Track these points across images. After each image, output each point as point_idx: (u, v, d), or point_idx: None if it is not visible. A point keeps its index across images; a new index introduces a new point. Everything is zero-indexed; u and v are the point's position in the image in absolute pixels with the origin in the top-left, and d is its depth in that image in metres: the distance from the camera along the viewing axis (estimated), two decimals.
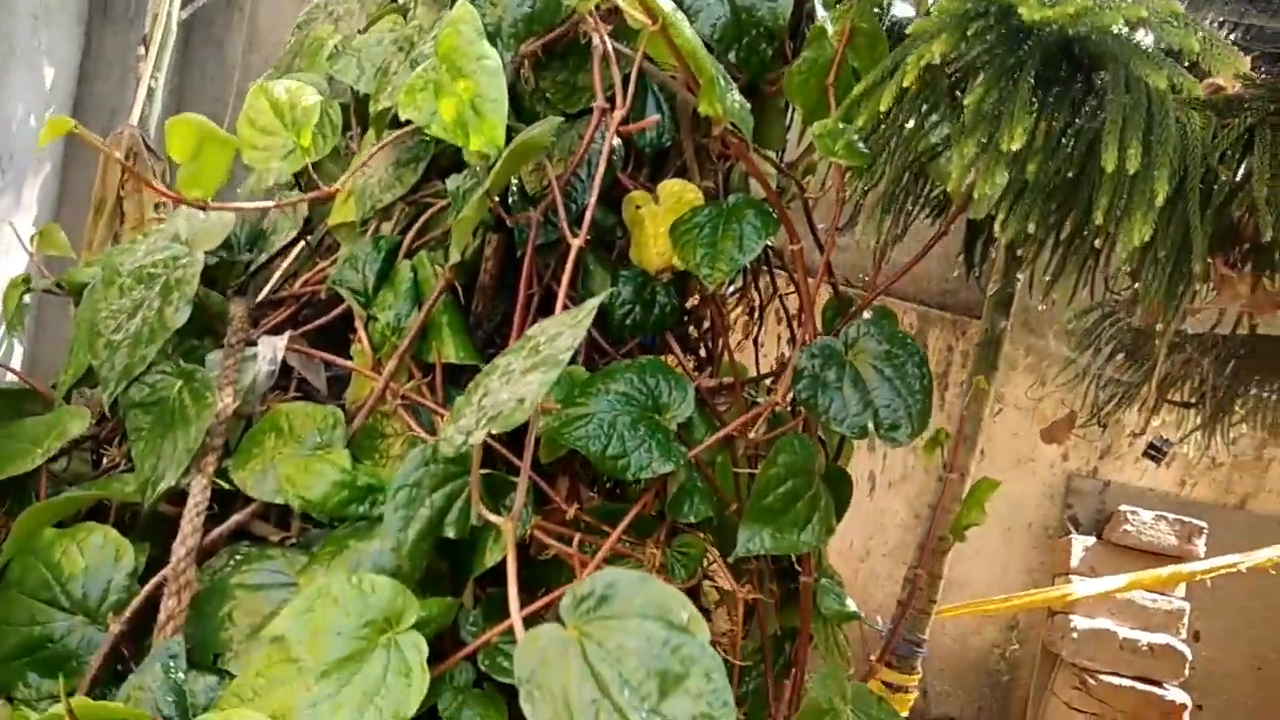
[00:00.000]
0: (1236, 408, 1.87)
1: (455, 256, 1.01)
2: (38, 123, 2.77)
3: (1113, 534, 3.13)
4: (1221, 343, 1.90)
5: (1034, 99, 0.90)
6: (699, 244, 1.11)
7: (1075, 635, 2.98)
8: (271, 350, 1.08)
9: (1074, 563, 3.12)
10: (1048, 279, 1.25)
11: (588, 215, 1.04)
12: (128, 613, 0.89)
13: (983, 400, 1.95)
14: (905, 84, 0.87)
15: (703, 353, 1.40)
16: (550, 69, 1.22)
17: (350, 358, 1.15)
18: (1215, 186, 1.01)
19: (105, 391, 1.01)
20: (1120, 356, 1.95)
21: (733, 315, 1.46)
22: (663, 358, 1.23)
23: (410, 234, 1.14)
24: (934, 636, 3.29)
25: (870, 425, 1.08)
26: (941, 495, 1.44)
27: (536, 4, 0.97)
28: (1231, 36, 1.38)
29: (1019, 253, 1.15)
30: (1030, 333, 3.24)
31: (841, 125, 1.12)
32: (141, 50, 2.61)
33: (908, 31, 0.86)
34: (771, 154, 1.22)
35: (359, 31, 1.40)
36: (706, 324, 1.35)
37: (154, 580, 0.91)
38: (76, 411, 1.06)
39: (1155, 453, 2.90)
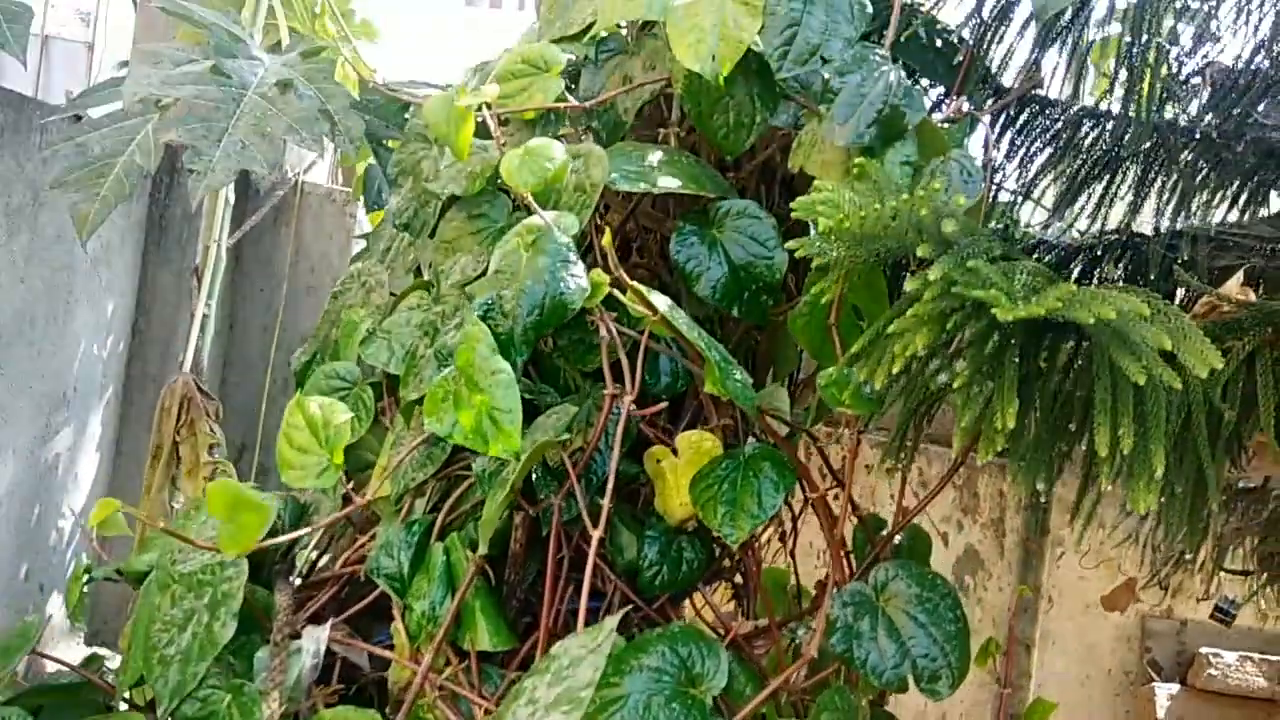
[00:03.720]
0: None
1: (483, 549, 1.05)
2: (99, 352, 2.92)
3: (1197, 679, 2.98)
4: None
5: (1024, 367, 0.93)
6: (719, 502, 1.14)
7: None
8: (315, 644, 1.12)
9: (1160, 714, 2.97)
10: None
11: (609, 489, 1.08)
12: None
13: (1031, 605, 1.91)
14: (893, 371, 0.91)
15: (739, 578, 1.41)
16: (567, 329, 1.29)
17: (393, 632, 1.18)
18: (1223, 418, 1.02)
19: (161, 708, 1.05)
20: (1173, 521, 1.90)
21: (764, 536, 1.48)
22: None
23: (442, 512, 1.19)
24: None
25: (909, 678, 1.08)
26: (1000, 709, 1.40)
27: (544, 310, 1.05)
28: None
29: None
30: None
31: (846, 373, 1.16)
32: (194, 283, 2.77)
33: (889, 331, 0.90)
34: (783, 404, 1.26)
35: (388, 304, 1.50)
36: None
37: None
38: None
39: (1223, 616, 2.79)
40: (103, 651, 2.41)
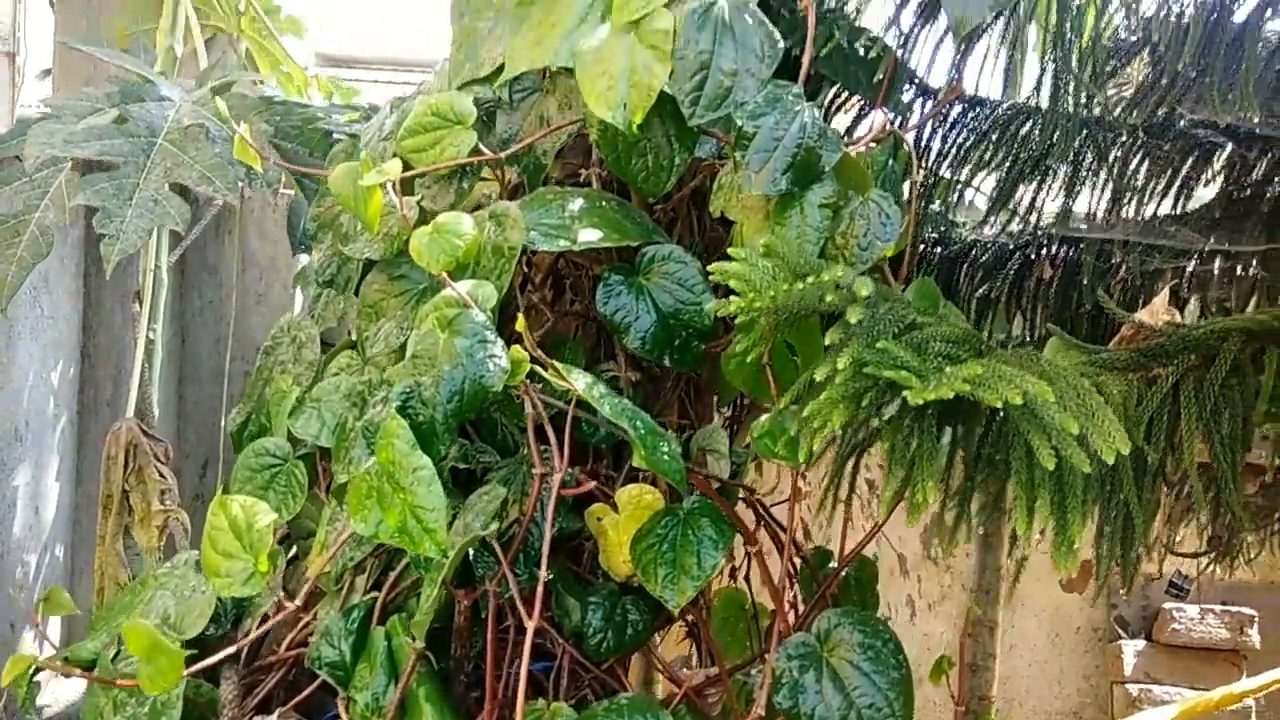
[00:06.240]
0: (1250, 540, 1.84)
1: (420, 643, 1.04)
2: (48, 383, 2.86)
3: (1162, 634, 3.05)
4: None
5: (947, 433, 0.93)
6: (660, 562, 1.14)
7: None
8: None
9: (1128, 670, 3.04)
10: None
11: (543, 563, 1.07)
12: None
13: (993, 586, 1.93)
14: (813, 447, 0.91)
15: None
16: None
17: None
18: (1148, 459, 1.02)
19: None
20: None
21: None
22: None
23: (383, 590, 1.18)
24: None
25: None
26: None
27: (465, 395, 1.02)
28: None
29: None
30: None
31: (781, 419, 1.15)
32: (136, 307, 2.70)
33: (805, 413, 0.89)
34: (721, 445, 1.26)
35: (319, 360, 1.47)
36: None
37: None
38: None
39: (1178, 590, 2.85)
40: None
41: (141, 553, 2.14)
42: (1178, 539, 2.04)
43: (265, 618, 1.22)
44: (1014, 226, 1.68)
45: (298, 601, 1.07)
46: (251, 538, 1.00)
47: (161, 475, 2.16)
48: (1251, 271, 1.52)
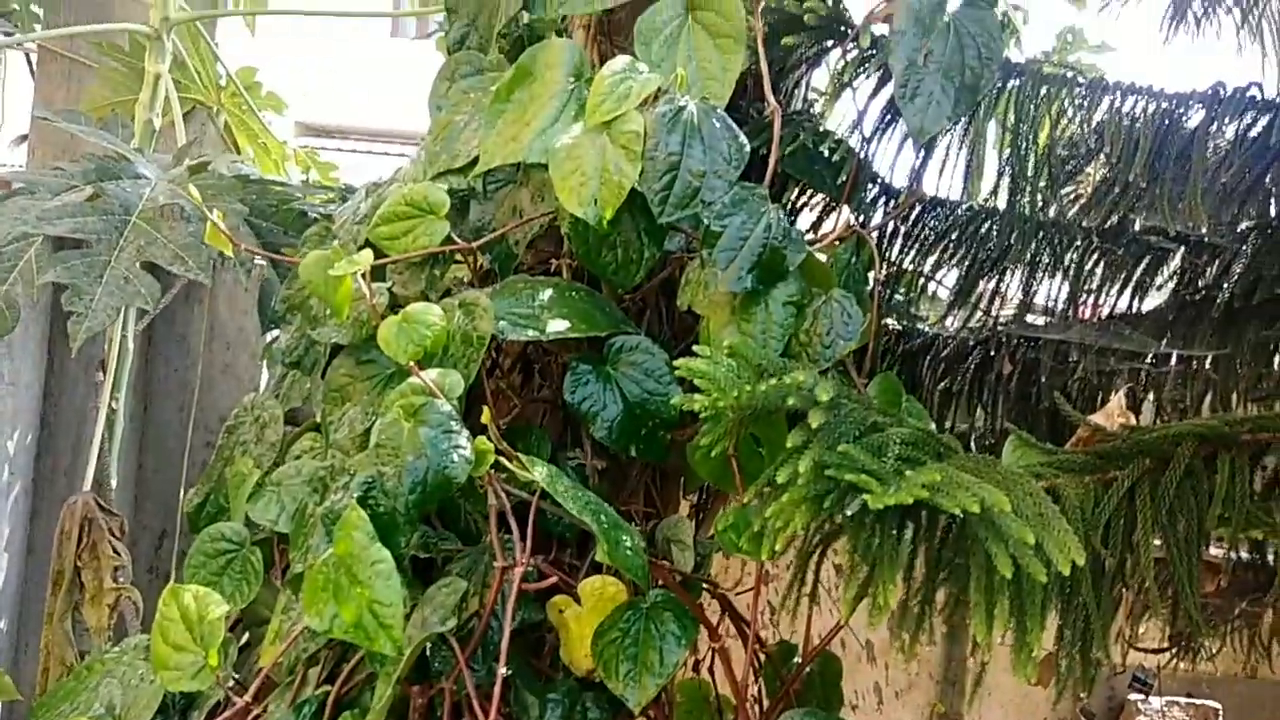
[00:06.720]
0: (1210, 636, 1.85)
1: None
2: (4, 451, 2.80)
3: None
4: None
5: (909, 528, 0.94)
6: (623, 658, 1.12)
7: None
8: None
9: None
10: None
11: (502, 656, 1.05)
12: None
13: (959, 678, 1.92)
14: (777, 547, 0.91)
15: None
16: None
17: None
18: (1106, 563, 1.04)
19: None
20: None
21: None
22: None
23: (336, 684, 1.15)
24: None
25: None
26: None
27: (428, 486, 1.02)
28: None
29: None
30: None
31: (745, 513, 1.15)
32: (99, 375, 2.67)
33: (768, 514, 0.90)
34: (685, 535, 1.26)
35: (282, 440, 1.45)
36: None
37: None
38: None
39: (1141, 685, 2.85)
40: None
41: (91, 631, 2.07)
42: (1141, 632, 2.04)
43: (216, 708, 1.18)
44: (974, 322, 1.72)
45: (248, 697, 1.04)
46: (203, 630, 0.98)
47: (116, 552, 2.10)
48: (1205, 372, 1.56)
